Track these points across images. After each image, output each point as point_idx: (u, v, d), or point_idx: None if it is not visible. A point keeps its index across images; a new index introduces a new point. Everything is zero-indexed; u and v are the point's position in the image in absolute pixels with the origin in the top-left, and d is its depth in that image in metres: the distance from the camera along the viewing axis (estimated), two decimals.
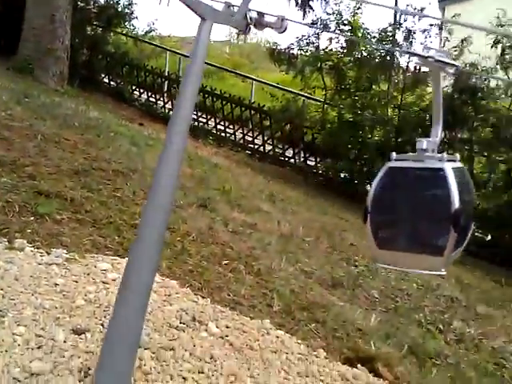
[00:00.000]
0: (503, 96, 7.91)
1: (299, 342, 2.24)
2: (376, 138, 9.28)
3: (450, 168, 1.31)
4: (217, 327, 2.14)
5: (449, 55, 1.47)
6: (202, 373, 1.80)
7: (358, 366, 2.17)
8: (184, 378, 1.74)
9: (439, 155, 1.36)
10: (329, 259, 4.07)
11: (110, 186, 3.71)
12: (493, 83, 7.91)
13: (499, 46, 7.80)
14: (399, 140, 8.73)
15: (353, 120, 9.26)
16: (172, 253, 2.88)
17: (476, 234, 6.03)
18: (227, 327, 2.17)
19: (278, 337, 2.20)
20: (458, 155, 1.49)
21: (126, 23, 12.37)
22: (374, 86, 9.02)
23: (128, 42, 12.61)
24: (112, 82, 11.92)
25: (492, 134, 7.91)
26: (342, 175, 9.51)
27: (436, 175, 1.30)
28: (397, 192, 1.38)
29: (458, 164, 1.43)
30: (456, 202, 1.25)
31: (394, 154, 1.41)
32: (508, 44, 7.79)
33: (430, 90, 8.74)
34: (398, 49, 8.83)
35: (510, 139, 7.61)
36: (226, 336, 2.09)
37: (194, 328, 2.09)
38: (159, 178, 1.51)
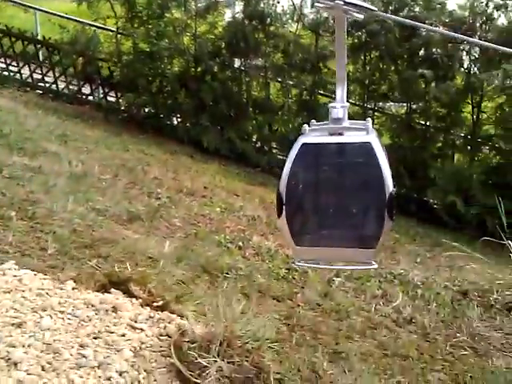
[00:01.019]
0: (290, 21, 8.28)
1: (44, 278, 2.10)
2: (176, 69, 9.08)
3: (376, 142, 1.05)
4: None
5: None
6: None
7: (112, 290, 2.13)
8: None
9: (360, 124, 1.09)
10: (127, 195, 3.90)
11: None
12: (279, 8, 8.20)
13: None
14: (198, 70, 8.66)
15: (149, 50, 8.87)
16: None
17: (279, 156, 6.31)
18: None
19: (15, 276, 2.05)
20: (369, 119, 1.13)
21: None
22: (166, 14, 8.68)
23: None
24: None
25: (283, 60, 8.28)
26: (146, 110, 9.21)
27: (362, 152, 1.06)
28: (316, 175, 1.11)
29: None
30: (390, 184, 1.03)
31: (306, 127, 1.08)
32: None
33: (222, 17, 8.75)
34: None
35: (299, 64, 8.08)
36: None
37: None
38: None
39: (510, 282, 3.62)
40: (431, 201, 7.23)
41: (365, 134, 1.05)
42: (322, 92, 8.22)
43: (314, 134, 1.06)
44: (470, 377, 2.24)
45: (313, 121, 1.13)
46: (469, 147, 7.35)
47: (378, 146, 1.04)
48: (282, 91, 8.55)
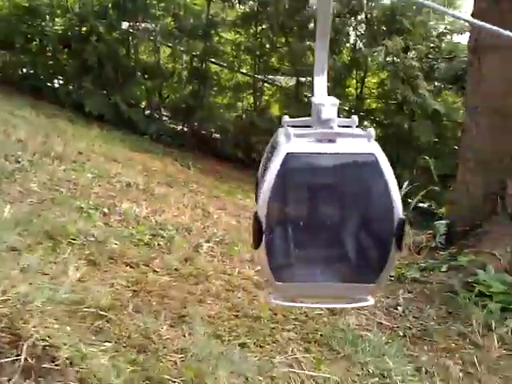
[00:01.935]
0: None
1: None
2: (58, 28, 8.42)
3: (381, 152, 0.80)
4: None
5: None
6: None
7: None
8: None
9: (356, 130, 0.84)
10: None
11: None
12: None
13: None
14: (83, 29, 8.09)
15: (28, 6, 8.15)
16: None
17: (169, 124, 6.05)
18: None
19: None
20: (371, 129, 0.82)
21: None
22: None
23: None
24: None
25: (173, 24, 7.98)
26: (24, 70, 8.49)
27: (363, 165, 0.81)
28: (304, 195, 0.86)
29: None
30: (399, 207, 0.78)
31: (290, 130, 0.80)
32: None
33: None
34: None
35: (190, 30, 7.82)
36: None
37: None
38: None
39: None
40: None
41: (366, 142, 0.79)
42: (213, 60, 8.06)
43: (298, 140, 0.79)
44: (321, 335, 2.27)
45: (285, 117, 0.91)
46: None
47: (383, 158, 0.78)
48: (172, 57, 8.27)
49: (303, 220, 0.82)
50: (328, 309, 2.62)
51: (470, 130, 3.27)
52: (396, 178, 0.77)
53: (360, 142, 0.78)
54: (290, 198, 0.82)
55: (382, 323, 2.58)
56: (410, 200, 4.10)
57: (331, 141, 0.79)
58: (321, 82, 0.88)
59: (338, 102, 0.82)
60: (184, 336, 1.83)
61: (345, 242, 0.82)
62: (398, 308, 2.78)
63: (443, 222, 3.58)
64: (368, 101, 7.63)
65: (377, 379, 2.01)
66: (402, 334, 2.50)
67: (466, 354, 2.39)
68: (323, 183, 0.82)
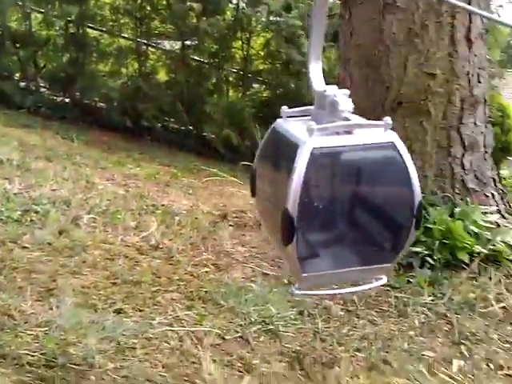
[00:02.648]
0: None
1: None
2: None
3: (399, 141, 0.83)
4: None
5: None
6: None
7: None
8: None
9: (375, 122, 0.84)
10: None
11: None
12: None
13: None
14: None
15: None
16: None
17: (48, 96, 5.60)
18: None
19: None
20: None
21: None
22: None
23: None
24: None
25: None
26: None
27: (385, 155, 0.84)
28: (331, 188, 0.87)
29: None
30: (418, 190, 0.82)
31: (313, 125, 0.79)
32: None
33: None
34: None
35: None
36: None
37: None
38: None
39: None
40: (208, 135, 7.36)
41: (382, 132, 0.83)
42: (91, 25, 7.58)
43: (319, 134, 0.80)
44: (205, 292, 2.26)
45: (284, 108, 0.94)
46: (241, 82, 7.59)
47: (402, 146, 0.82)
48: (45, 23, 7.64)
49: (330, 212, 0.85)
50: (214, 265, 2.62)
51: (344, 82, 3.36)
52: None
53: (377, 132, 0.83)
54: (319, 193, 0.84)
55: (267, 274, 2.62)
56: None
57: (348, 132, 0.82)
58: (318, 70, 0.92)
59: (348, 92, 0.86)
60: (51, 309, 1.72)
61: (367, 228, 0.89)
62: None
63: None
64: (255, 62, 7.62)
65: (259, 326, 2.05)
66: (286, 281, 2.56)
67: (346, 294, 2.51)
68: (348, 174, 0.86)
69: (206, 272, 2.50)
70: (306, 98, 6.63)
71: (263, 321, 2.08)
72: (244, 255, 2.83)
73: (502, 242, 2.75)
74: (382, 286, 2.61)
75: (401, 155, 0.82)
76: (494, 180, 3.09)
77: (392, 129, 0.85)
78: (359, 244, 0.89)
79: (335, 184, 0.87)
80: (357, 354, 1.98)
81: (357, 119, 0.86)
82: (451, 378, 1.94)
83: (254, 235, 3.18)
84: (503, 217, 3.01)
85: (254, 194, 1.00)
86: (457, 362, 2.05)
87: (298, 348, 1.95)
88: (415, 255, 2.72)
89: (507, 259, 2.74)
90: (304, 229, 0.82)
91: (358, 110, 2.98)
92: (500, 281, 2.61)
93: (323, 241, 0.88)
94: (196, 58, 7.55)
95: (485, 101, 2.88)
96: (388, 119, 0.84)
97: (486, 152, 3.00)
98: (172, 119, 7.57)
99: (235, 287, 2.30)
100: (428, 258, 2.70)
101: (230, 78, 7.59)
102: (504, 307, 2.47)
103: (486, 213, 2.91)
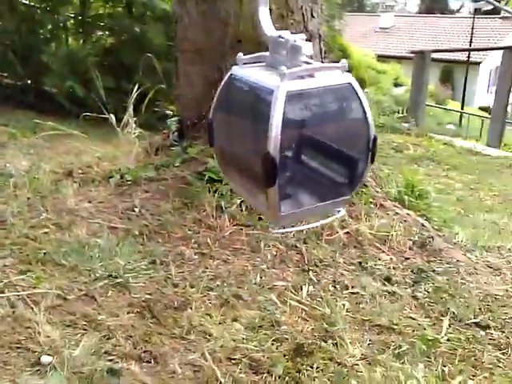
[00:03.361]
0: None
1: None
2: None
3: (355, 82, 0.88)
4: None
5: None
6: None
7: None
8: None
9: (333, 64, 0.88)
10: None
11: None
12: None
13: None
14: None
15: None
16: None
17: None
18: None
19: None
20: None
21: None
22: None
23: None
24: None
25: None
26: None
27: (344, 95, 0.88)
28: (301, 128, 0.88)
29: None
30: (372, 127, 0.89)
31: (284, 70, 0.82)
32: None
33: None
34: None
35: None
36: None
37: None
38: None
39: (109, 154, 3.62)
40: (50, 88, 6.73)
41: (340, 74, 0.89)
42: None
43: (289, 78, 0.83)
44: (44, 253, 2.07)
45: (240, 54, 0.94)
46: (80, 29, 6.99)
47: (358, 86, 0.89)
48: None
49: (301, 152, 0.92)
50: (55, 224, 2.42)
51: (182, 19, 3.21)
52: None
53: (336, 74, 0.89)
54: (293, 135, 0.89)
55: (116, 227, 2.49)
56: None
57: (311, 75, 0.87)
58: (266, 14, 0.94)
59: (305, 36, 0.90)
60: None
61: (329, 165, 0.95)
62: (135, 209, 2.72)
63: (174, 118, 3.57)
64: (94, 5, 7.04)
65: (106, 281, 1.94)
66: (137, 233, 2.45)
67: (201, 238, 2.48)
68: (315, 115, 0.91)
69: (46, 233, 2.29)
70: (152, 42, 6.32)
71: (110, 275, 1.97)
72: (90, 211, 2.64)
73: None
74: (235, 225, 2.63)
75: (357, 94, 0.89)
76: None
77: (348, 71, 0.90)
78: (323, 180, 0.96)
79: (304, 125, 0.91)
80: (209, 293, 1.98)
81: (317, 63, 0.91)
82: (300, 303, 2.03)
83: (101, 190, 2.99)
84: None
85: (212, 144, 1.01)
86: (306, 288, 2.15)
87: (149, 297, 1.88)
88: None
89: None
90: (284, 170, 0.87)
91: (199, 48, 2.86)
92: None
93: (294, 181, 0.92)
94: (25, 1, 6.75)
95: (319, 36, 2.94)
96: (344, 62, 0.89)
97: None
98: (5, 73, 6.76)
99: (78, 245, 2.14)
100: None
101: (68, 24, 6.94)
102: (348, 232, 2.63)
103: None
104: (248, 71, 0.92)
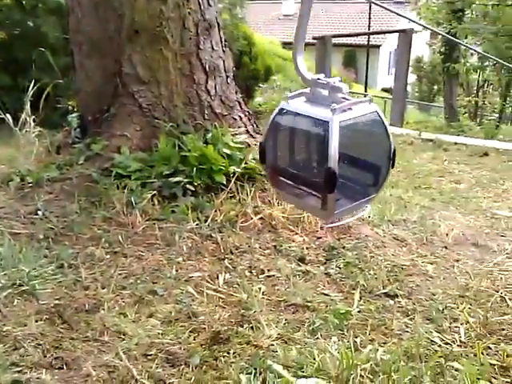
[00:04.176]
0: None
1: None
2: None
3: (379, 109, 1.20)
4: None
5: None
6: None
7: None
8: None
9: (362, 99, 1.20)
10: None
11: None
12: None
13: None
14: None
15: None
16: None
17: None
18: None
19: None
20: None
21: None
22: None
23: None
24: None
25: None
26: None
27: (373, 121, 1.20)
28: (352, 148, 1.19)
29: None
30: (392, 142, 1.21)
31: (336, 106, 1.12)
32: None
33: None
34: None
35: None
36: None
37: None
38: None
39: (7, 157, 3.41)
40: None
41: (368, 105, 1.17)
42: None
43: (338, 113, 1.10)
44: None
45: (289, 94, 1.21)
46: None
47: (380, 112, 1.20)
48: None
49: (346, 165, 1.17)
50: None
51: (74, 11, 3.06)
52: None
53: (365, 105, 1.17)
54: (343, 153, 1.12)
55: (18, 233, 2.35)
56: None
57: (350, 109, 1.14)
58: (302, 61, 1.23)
59: (340, 79, 1.19)
60: None
61: (360, 172, 1.24)
62: (38, 213, 2.58)
63: (75, 114, 3.42)
64: None
65: (10, 290, 1.83)
66: (42, 237, 2.33)
67: (111, 236, 2.41)
68: (356, 137, 1.18)
69: None
70: (47, 37, 5.98)
71: (14, 283, 1.86)
72: None
73: (253, 159, 2.94)
74: (147, 220, 2.56)
75: (381, 118, 1.19)
76: (240, 103, 3.24)
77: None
78: (356, 185, 1.25)
79: (350, 145, 1.16)
80: (122, 292, 1.93)
81: (352, 99, 1.16)
82: (217, 291, 2.04)
83: (0, 195, 2.81)
84: (252, 136, 3.22)
85: (263, 161, 1.26)
86: (222, 276, 2.16)
87: (58, 302, 1.80)
88: (176, 185, 2.74)
89: (260, 175, 2.95)
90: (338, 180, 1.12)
91: (94, 40, 2.73)
92: (256, 195, 2.80)
93: (339, 187, 1.13)
94: None
95: (218, 24, 2.94)
96: (369, 96, 1.21)
97: (227, 76, 3.11)
98: None
99: None
100: (189, 186, 2.74)
101: None
102: (262, 218, 2.67)
103: (235, 134, 3.07)
104: (297, 105, 1.19)
